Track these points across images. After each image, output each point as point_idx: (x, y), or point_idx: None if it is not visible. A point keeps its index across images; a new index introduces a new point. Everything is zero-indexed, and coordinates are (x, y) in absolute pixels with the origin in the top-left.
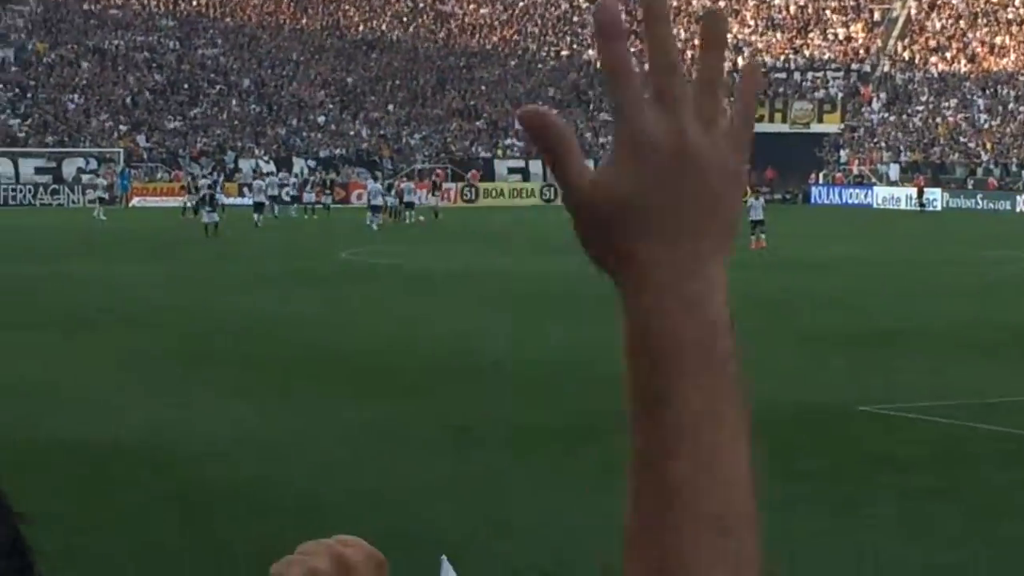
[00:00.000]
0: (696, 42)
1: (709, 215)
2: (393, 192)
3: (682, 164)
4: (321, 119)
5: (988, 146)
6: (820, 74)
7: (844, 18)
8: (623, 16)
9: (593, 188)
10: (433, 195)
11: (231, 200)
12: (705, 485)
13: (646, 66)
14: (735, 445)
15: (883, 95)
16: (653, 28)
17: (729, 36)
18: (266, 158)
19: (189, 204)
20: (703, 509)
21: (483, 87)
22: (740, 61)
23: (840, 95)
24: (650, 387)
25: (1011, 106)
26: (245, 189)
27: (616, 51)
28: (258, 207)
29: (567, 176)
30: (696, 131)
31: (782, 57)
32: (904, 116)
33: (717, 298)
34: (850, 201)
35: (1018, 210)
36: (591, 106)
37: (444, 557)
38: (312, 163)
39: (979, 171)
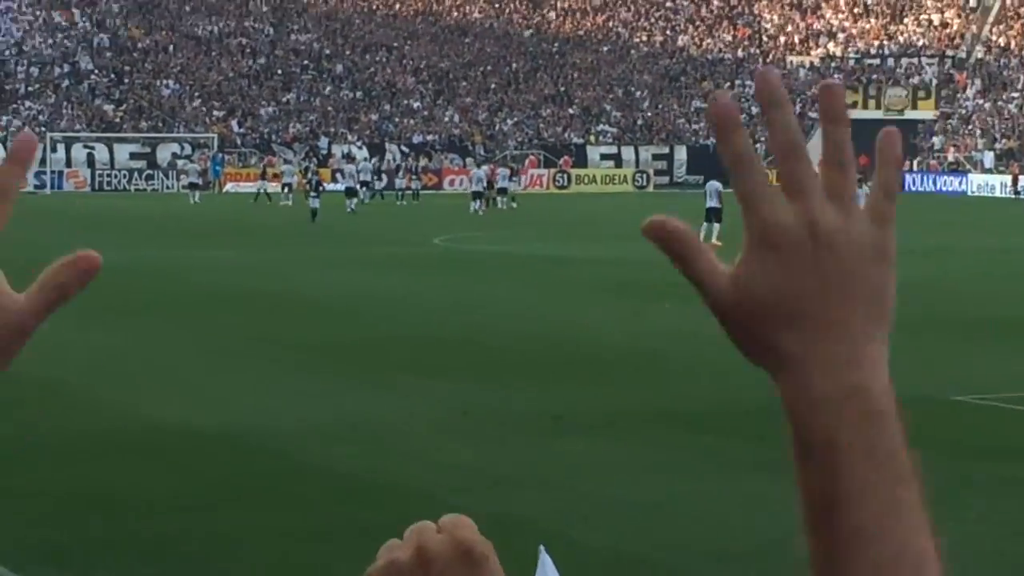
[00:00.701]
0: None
1: (854, 298)
2: (485, 178)
3: (817, 250)
4: (414, 104)
5: None
6: (914, 60)
7: (939, 4)
8: (738, 107)
9: (731, 288)
10: (511, 180)
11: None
12: None
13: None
14: (918, 539)
15: (978, 81)
16: (772, 113)
17: (822, 23)
18: (359, 144)
19: (261, 190)
20: None
21: (575, 73)
22: (832, 47)
23: (934, 81)
24: (820, 491)
25: None
26: (337, 175)
27: (736, 142)
28: (350, 193)
29: (701, 279)
30: (828, 213)
31: (876, 43)
32: (999, 103)
33: (878, 383)
34: (944, 188)
35: None
36: (683, 93)
37: (542, 547)
38: (404, 149)
39: None
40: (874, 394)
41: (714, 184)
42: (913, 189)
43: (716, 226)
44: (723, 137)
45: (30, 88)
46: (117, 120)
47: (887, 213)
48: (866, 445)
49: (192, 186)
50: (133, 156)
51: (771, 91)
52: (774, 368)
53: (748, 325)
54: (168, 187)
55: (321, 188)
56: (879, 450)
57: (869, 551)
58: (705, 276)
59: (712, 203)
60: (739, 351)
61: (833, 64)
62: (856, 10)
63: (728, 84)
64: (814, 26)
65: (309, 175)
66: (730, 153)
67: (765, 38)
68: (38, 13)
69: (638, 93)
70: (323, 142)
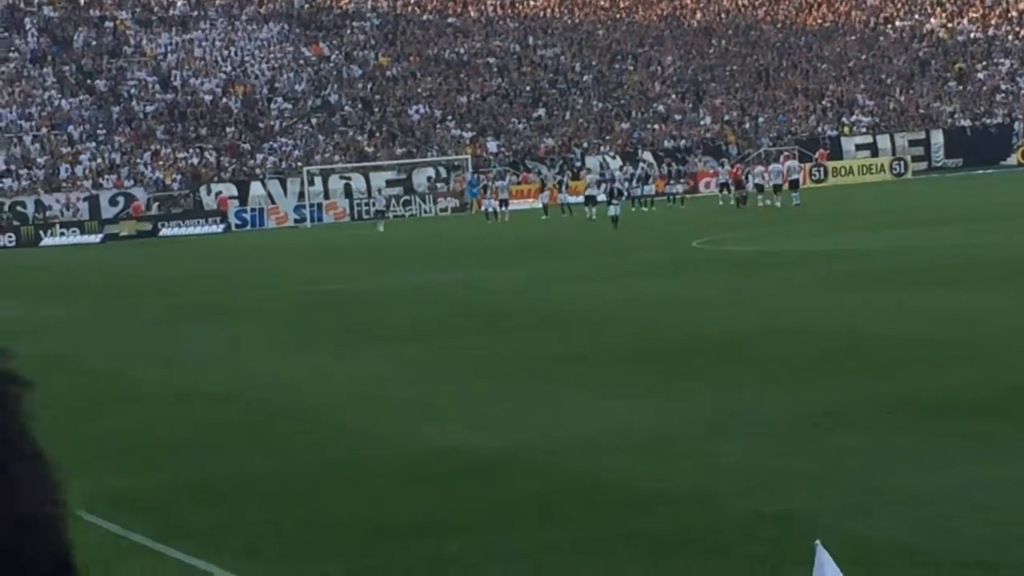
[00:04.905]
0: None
1: None
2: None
3: None
4: (663, 109)
5: None
6: None
7: None
8: None
9: None
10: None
11: (574, 199)
12: None
13: None
14: None
15: None
16: None
17: None
18: (612, 153)
19: (489, 208)
20: None
21: (824, 64)
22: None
23: None
24: None
25: None
26: (591, 186)
27: None
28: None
29: None
30: None
31: None
32: None
33: None
34: None
35: None
36: (936, 76)
37: (818, 543)
38: (660, 153)
39: None
40: None
41: None
42: None
43: None
44: None
45: (284, 124)
46: (371, 149)
47: None
48: None
49: (378, 213)
50: (390, 183)
51: None
52: None
53: None
54: (426, 211)
55: (620, 195)
56: None
57: None
58: None
59: None
60: None
61: None
62: None
63: (981, 63)
64: None
65: (607, 184)
66: None
67: (1014, 13)
68: (288, 49)
69: (889, 80)
70: (576, 154)
